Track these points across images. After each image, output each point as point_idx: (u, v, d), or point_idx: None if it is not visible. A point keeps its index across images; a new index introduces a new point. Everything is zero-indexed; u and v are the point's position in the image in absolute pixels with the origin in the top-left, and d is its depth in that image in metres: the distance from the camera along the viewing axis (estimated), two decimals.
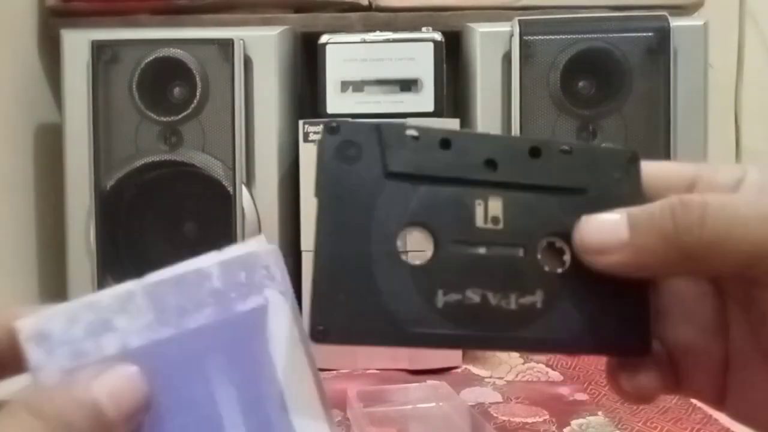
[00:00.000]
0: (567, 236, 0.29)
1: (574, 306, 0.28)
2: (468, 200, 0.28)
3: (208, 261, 0.27)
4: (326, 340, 0.26)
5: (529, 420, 0.66)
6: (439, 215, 0.28)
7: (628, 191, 0.29)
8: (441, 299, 0.27)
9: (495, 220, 0.29)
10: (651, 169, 0.30)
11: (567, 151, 0.30)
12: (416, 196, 0.28)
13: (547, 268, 0.29)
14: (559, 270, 0.29)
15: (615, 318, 0.28)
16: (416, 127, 0.28)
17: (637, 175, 0.30)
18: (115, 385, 0.24)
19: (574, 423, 0.66)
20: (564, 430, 0.64)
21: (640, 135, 0.87)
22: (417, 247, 0.29)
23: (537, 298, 0.28)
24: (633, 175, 0.30)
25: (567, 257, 0.29)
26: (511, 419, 0.67)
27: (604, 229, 0.27)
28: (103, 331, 0.25)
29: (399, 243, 0.28)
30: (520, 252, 0.29)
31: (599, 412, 0.68)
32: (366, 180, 0.28)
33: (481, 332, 0.28)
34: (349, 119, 0.27)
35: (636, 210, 0.27)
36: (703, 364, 0.29)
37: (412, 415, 0.66)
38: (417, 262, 0.28)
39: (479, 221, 0.28)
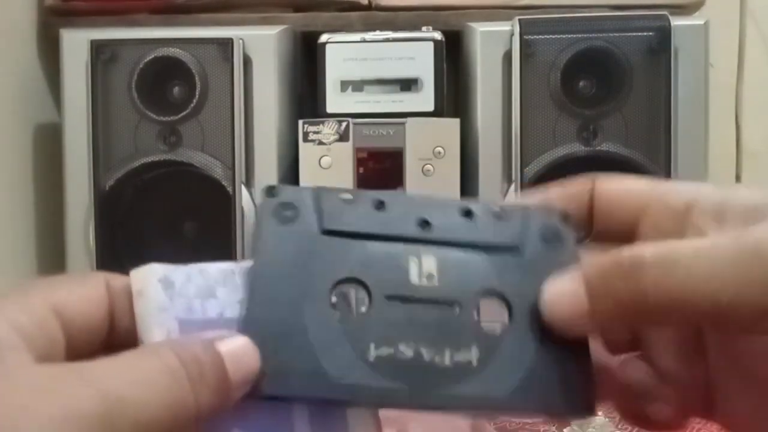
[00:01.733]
0: (503, 295, 0.28)
1: (511, 364, 0.28)
2: (402, 257, 0.28)
3: None
4: (260, 397, 0.26)
5: (529, 420, 0.66)
6: (373, 271, 0.28)
7: (561, 250, 0.29)
8: (373, 353, 0.27)
9: (429, 277, 0.28)
10: (602, 191, 0.30)
11: (498, 211, 0.30)
12: (351, 252, 0.28)
13: (483, 326, 0.28)
14: (496, 328, 0.28)
15: (556, 376, 0.28)
16: (350, 191, 0.29)
17: (569, 233, 0.30)
18: (237, 350, 0.25)
19: (575, 423, 0.66)
20: (564, 430, 0.64)
21: (640, 134, 0.87)
22: (354, 304, 0.29)
23: (472, 356, 0.28)
24: (566, 233, 0.30)
25: (504, 316, 0.28)
26: (511, 419, 0.66)
27: (566, 303, 0.27)
28: (208, 296, 0.27)
29: (334, 299, 0.28)
30: (456, 309, 0.28)
31: (599, 413, 0.68)
32: (301, 239, 0.28)
33: (413, 388, 0.28)
34: (287, 186, 0.28)
35: (591, 274, 0.27)
36: (688, 387, 0.29)
37: (412, 415, 0.66)
38: (350, 316, 0.28)
39: (414, 278, 0.28)
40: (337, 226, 0.28)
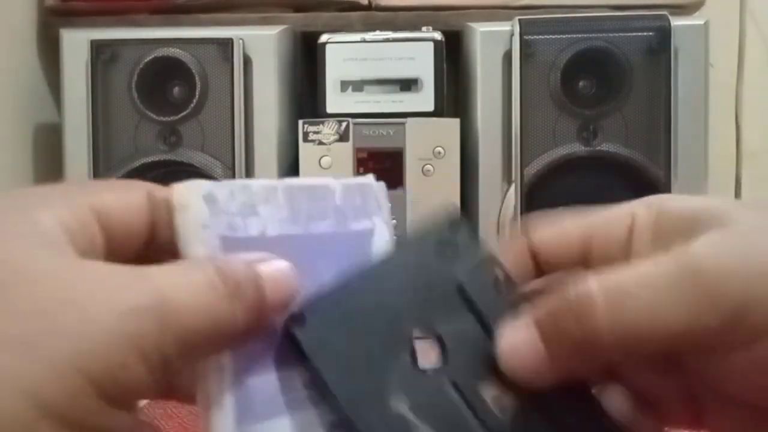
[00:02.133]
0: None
1: None
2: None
3: (333, 181, 0.30)
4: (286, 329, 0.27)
5: None
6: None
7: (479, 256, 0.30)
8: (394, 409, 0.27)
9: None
10: (542, 238, 0.30)
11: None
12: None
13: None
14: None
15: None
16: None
17: (471, 233, 0.30)
18: (276, 273, 0.26)
19: None
20: None
21: (640, 134, 0.87)
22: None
23: None
24: (468, 236, 0.30)
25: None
26: None
27: (524, 356, 0.26)
28: (250, 213, 0.27)
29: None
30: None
31: None
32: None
33: None
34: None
35: (542, 320, 0.26)
36: (671, 401, 0.29)
37: None
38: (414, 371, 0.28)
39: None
40: None
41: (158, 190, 0.27)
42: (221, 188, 0.27)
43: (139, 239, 0.27)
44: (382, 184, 0.31)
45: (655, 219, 0.28)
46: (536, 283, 0.30)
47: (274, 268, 0.26)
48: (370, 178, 0.31)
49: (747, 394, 0.26)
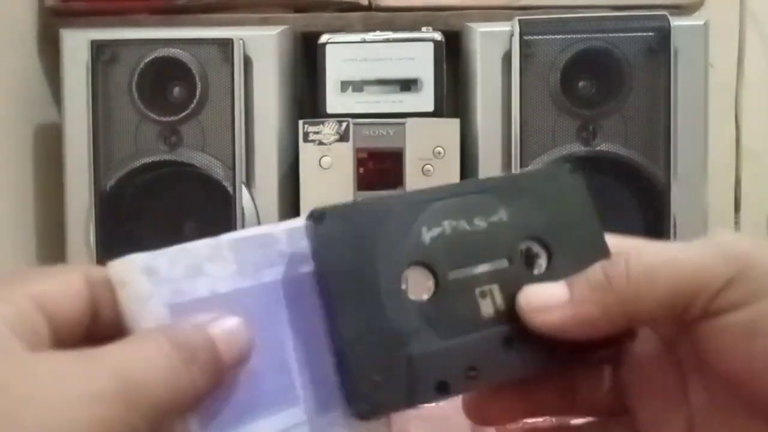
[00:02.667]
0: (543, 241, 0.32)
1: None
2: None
3: (276, 227, 0.30)
4: (372, 417, 0.28)
5: (529, 420, 0.66)
6: (439, 253, 0.31)
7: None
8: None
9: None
10: None
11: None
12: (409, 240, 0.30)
13: (537, 272, 0.32)
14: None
15: None
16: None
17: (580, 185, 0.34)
18: (229, 331, 0.26)
19: (574, 423, 0.65)
20: None
21: (640, 134, 0.87)
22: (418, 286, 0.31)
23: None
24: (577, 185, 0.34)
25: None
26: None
27: (546, 292, 0.30)
28: (197, 274, 0.27)
29: (404, 286, 0.30)
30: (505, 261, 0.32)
31: None
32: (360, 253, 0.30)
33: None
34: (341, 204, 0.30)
35: (573, 277, 0.30)
36: (671, 428, 0.31)
37: (412, 415, 0.66)
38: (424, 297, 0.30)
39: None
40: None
41: (95, 270, 0.27)
42: (160, 258, 0.27)
43: (82, 322, 0.27)
44: None
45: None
46: None
47: (225, 326, 0.26)
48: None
49: (733, 366, 0.28)
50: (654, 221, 0.86)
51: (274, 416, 0.27)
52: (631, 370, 0.32)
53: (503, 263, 0.31)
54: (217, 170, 0.88)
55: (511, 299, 0.30)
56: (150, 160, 0.88)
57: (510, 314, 0.30)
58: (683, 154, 0.87)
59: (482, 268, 0.31)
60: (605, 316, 0.29)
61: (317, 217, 0.29)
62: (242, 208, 0.88)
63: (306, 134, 0.86)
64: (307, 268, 0.30)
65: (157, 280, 0.27)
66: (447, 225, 0.31)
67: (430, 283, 0.30)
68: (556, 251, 0.32)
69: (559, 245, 0.32)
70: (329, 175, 0.87)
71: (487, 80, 0.89)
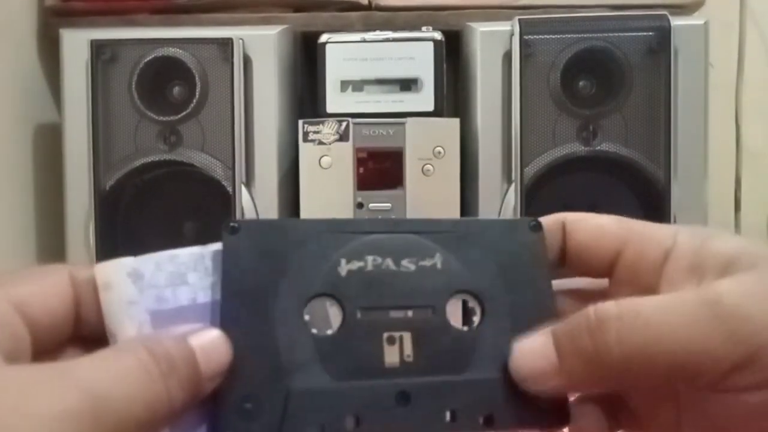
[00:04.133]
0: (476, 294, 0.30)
1: (499, 368, 0.28)
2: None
3: None
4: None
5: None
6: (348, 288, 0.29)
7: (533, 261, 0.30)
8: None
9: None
10: (575, 230, 0.31)
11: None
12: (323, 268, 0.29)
13: (458, 328, 0.29)
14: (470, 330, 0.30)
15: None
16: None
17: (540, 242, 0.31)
18: (209, 344, 0.26)
19: None
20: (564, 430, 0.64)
21: (640, 134, 0.87)
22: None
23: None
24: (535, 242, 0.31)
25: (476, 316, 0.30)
26: None
27: (536, 360, 0.27)
28: (180, 283, 0.28)
29: (306, 317, 0.28)
30: (429, 311, 0.29)
31: None
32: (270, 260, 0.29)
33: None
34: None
35: (559, 331, 0.27)
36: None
37: None
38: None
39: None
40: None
41: (80, 271, 0.27)
42: (146, 262, 0.27)
43: (66, 325, 0.26)
44: None
45: (695, 251, 0.28)
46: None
47: (205, 338, 0.26)
48: None
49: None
50: (654, 221, 0.86)
51: None
52: (633, 399, 0.31)
53: (425, 312, 0.29)
54: (217, 170, 0.88)
55: (421, 351, 0.28)
56: (150, 160, 0.88)
57: (415, 368, 0.28)
58: (683, 154, 0.87)
59: (398, 314, 0.28)
60: (593, 385, 0.28)
61: (231, 228, 0.28)
62: (242, 208, 0.88)
63: (306, 134, 0.86)
64: None
65: (142, 285, 0.27)
66: (370, 261, 0.29)
67: (338, 319, 0.28)
68: (489, 310, 0.29)
69: (495, 304, 0.29)
70: (329, 175, 0.87)
71: (487, 80, 0.89)
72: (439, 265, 0.29)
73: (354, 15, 1.00)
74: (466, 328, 0.29)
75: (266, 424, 0.26)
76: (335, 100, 0.90)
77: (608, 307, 0.26)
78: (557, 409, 0.29)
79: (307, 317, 0.28)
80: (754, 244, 0.28)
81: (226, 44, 0.87)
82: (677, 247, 0.29)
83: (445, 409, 0.27)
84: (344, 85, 0.90)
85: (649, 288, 0.29)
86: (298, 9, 1.01)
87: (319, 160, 0.87)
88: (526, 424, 0.28)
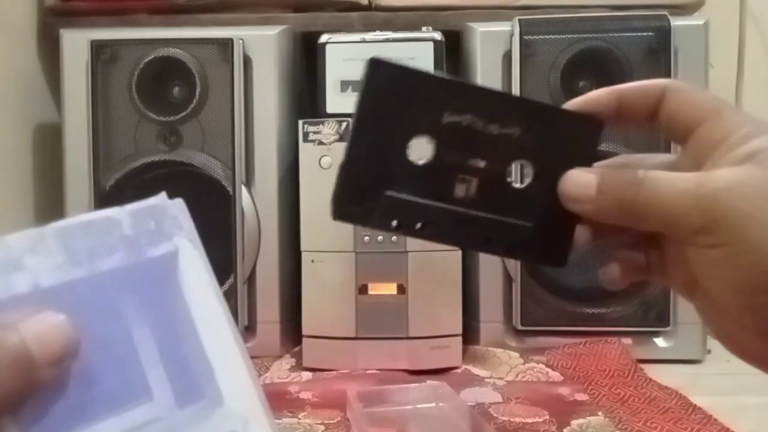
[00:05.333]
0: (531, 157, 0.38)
1: (533, 219, 0.38)
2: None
3: (118, 210, 0.28)
4: (337, 219, 0.36)
5: (529, 420, 0.66)
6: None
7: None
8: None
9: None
10: (673, 98, 0.38)
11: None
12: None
13: (514, 185, 0.38)
14: (522, 185, 0.38)
15: (551, 234, 0.38)
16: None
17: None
18: (43, 329, 0.24)
19: (574, 423, 0.66)
20: (564, 430, 0.64)
21: (640, 134, 0.87)
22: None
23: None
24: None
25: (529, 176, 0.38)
26: (511, 419, 0.66)
27: (581, 186, 0.37)
28: (13, 269, 0.25)
29: (410, 145, 0.36)
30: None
31: (599, 413, 0.68)
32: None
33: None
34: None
35: (605, 176, 0.37)
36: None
37: (412, 415, 0.66)
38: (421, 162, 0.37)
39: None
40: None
41: None
42: None
43: None
44: (179, 202, 0.30)
45: (741, 143, 0.35)
46: None
47: (40, 325, 0.24)
48: (162, 198, 0.29)
49: (706, 283, 0.35)
50: None
51: (119, 415, 0.25)
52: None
53: (494, 166, 0.37)
54: (217, 170, 0.88)
55: (481, 194, 0.37)
56: (150, 160, 0.88)
57: (474, 204, 0.37)
58: None
59: (474, 162, 0.37)
60: (614, 218, 0.36)
61: (376, 63, 0.38)
62: (242, 208, 0.88)
63: (306, 134, 0.86)
64: (156, 251, 0.28)
65: None
66: (467, 118, 0.36)
67: (429, 155, 0.36)
68: (541, 177, 0.38)
69: (546, 173, 0.38)
70: (329, 175, 0.87)
71: (487, 80, 0.89)
72: (516, 135, 0.37)
73: (354, 15, 1.00)
74: (520, 186, 0.38)
75: (364, 210, 0.36)
76: (335, 100, 0.90)
77: (639, 172, 0.35)
78: (560, 255, 0.38)
79: (411, 147, 0.36)
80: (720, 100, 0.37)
81: (226, 44, 0.87)
82: (735, 135, 0.35)
83: (485, 235, 0.38)
84: (344, 85, 0.90)
85: (701, 161, 0.36)
86: (298, 9, 1.01)
87: (319, 160, 0.87)
88: (535, 259, 0.39)
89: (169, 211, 0.30)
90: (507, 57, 0.88)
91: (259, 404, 0.27)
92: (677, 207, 0.34)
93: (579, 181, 0.37)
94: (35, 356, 0.24)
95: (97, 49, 0.88)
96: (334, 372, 0.82)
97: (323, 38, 0.91)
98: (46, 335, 0.24)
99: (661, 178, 0.35)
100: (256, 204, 0.89)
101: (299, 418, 0.68)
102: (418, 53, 0.91)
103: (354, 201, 0.36)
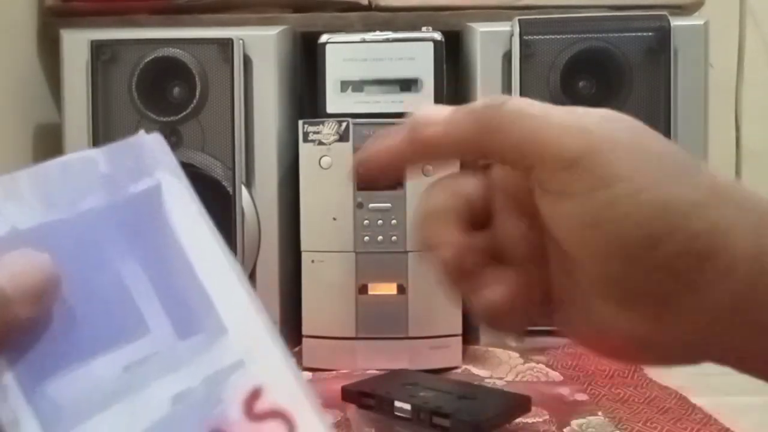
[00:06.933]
0: None
1: None
2: None
3: (93, 150, 0.27)
4: None
5: (529, 420, 0.66)
6: None
7: None
8: None
9: None
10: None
11: None
12: None
13: None
14: None
15: None
16: None
17: None
18: (16, 266, 0.24)
19: (574, 423, 0.65)
20: (564, 430, 0.64)
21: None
22: None
23: None
24: None
25: None
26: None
27: (432, 110, 0.30)
28: None
29: None
30: None
31: (599, 412, 0.68)
32: None
33: None
34: None
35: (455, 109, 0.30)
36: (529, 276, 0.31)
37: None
38: None
39: None
40: None
41: None
42: None
43: None
44: (156, 136, 0.28)
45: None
46: None
47: (14, 261, 0.24)
48: (140, 134, 0.28)
49: (569, 242, 0.28)
50: None
51: (116, 352, 0.25)
52: (501, 237, 0.32)
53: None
54: (217, 170, 0.88)
55: None
56: None
57: None
58: None
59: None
60: (468, 141, 0.30)
61: None
62: (242, 208, 0.88)
63: (306, 134, 0.86)
64: (137, 187, 0.27)
65: None
66: None
67: None
68: None
69: None
70: (329, 175, 0.87)
71: (487, 80, 0.89)
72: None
73: (354, 15, 1.00)
74: None
75: None
76: (335, 101, 0.90)
77: (509, 101, 0.29)
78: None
79: None
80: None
81: (226, 44, 0.87)
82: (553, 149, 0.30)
83: None
84: (344, 85, 0.90)
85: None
86: (298, 9, 1.01)
87: (319, 160, 0.87)
88: None
89: (148, 146, 0.28)
90: (507, 57, 0.88)
91: (264, 331, 0.26)
92: (548, 128, 0.27)
93: (433, 107, 0.31)
94: (8, 293, 0.23)
95: (97, 49, 0.88)
96: (334, 372, 0.81)
97: (323, 38, 0.91)
98: (20, 272, 0.24)
99: (534, 107, 0.29)
100: (256, 204, 0.89)
101: None
102: (418, 53, 0.91)
103: None
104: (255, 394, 0.25)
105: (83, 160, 0.26)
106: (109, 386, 0.24)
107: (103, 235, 0.26)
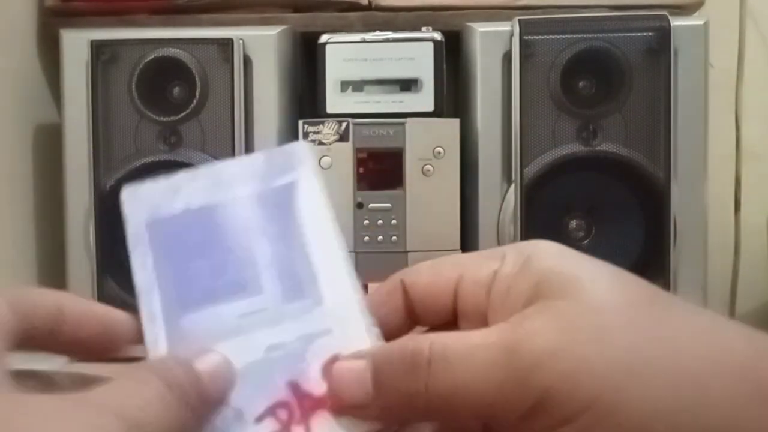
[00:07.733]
0: None
1: None
2: None
3: (258, 153, 0.34)
4: None
5: None
6: None
7: None
8: None
9: None
10: (412, 288, 0.32)
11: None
12: None
13: None
14: None
15: None
16: None
17: None
18: (214, 367, 0.27)
19: None
20: None
21: (640, 134, 0.87)
22: None
23: None
24: None
25: None
26: None
27: (353, 383, 0.27)
28: (174, 193, 0.32)
29: None
30: None
31: None
32: None
33: None
34: None
35: (378, 359, 0.27)
36: None
37: None
38: None
39: None
40: None
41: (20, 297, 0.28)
42: (145, 183, 0.33)
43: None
44: (303, 143, 0.35)
45: (519, 270, 0.28)
46: None
47: (210, 363, 0.27)
48: (294, 142, 0.35)
49: None
50: (654, 221, 0.86)
51: (237, 302, 0.30)
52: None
53: None
54: None
55: None
56: (150, 160, 0.88)
57: None
58: (683, 154, 0.87)
59: None
60: (417, 417, 0.28)
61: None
62: None
63: (306, 134, 0.86)
64: (281, 181, 0.33)
65: (138, 201, 0.32)
66: None
67: None
68: None
69: None
70: (329, 175, 0.87)
71: (487, 80, 0.89)
72: None
73: (354, 15, 1.00)
74: None
75: None
76: (335, 101, 0.90)
77: (422, 348, 0.27)
78: None
79: None
80: (573, 258, 0.28)
81: (226, 44, 0.87)
82: (502, 269, 0.29)
83: None
84: (344, 85, 0.90)
85: (483, 317, 0.29)
86: (298, 9, 1.01)
87: (319, 160, 0.87)
88: None
89: (296, 150, 0.34)
90: (507, 57, 0.88)
91: (356, 310, 0.30)
92: (486, 391, 0.25)
93: (349, 375, 0.27)
94: (210, 392, 0.27)
95: (97, 49, 0.88)
96: None
97: (323, 38, 0.91)
98: (215, 373, 0.27)
99: (450, 352, 0.26)
100: None
101: None
102: (418, 53, 0.91)
103: None
104: (333, 360, 0.29)
105: (251, 158, 0.34)
106: (224, 327, 0.30)
107: (248, 215, 0.32)
